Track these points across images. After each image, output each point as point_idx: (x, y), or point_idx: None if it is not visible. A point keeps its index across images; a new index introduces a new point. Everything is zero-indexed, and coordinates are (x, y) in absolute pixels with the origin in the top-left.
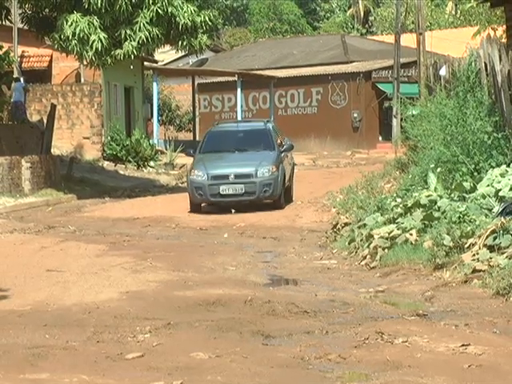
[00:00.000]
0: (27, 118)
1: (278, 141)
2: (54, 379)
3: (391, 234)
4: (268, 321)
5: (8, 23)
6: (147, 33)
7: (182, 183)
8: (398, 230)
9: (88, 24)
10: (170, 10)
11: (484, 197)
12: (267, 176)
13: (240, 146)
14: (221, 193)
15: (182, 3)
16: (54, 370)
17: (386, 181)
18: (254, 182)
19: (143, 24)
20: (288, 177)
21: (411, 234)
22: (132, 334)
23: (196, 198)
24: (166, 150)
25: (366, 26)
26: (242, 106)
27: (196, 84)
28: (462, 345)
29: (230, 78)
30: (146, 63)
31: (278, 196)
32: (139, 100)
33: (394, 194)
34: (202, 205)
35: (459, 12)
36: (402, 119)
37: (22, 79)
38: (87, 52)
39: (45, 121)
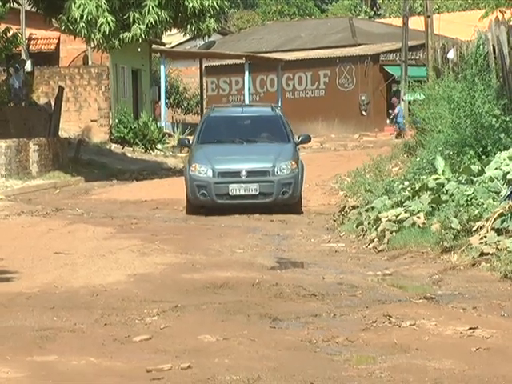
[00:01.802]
0: (22, 101)
1: None
2: (61, 361)
3: (399, 217)
4: (276, 303)
5: (16, 5)
6: (155, 16)
7: None
8: (405, 213)
9: (96, 6)
10: None
11: (492, 180)
12: (286, 174)
13: (249, 136)
14: (230, 193)
15: None
16: (61, 352)
17: (394, 164)
18: (272, 181)
19: (152, 7)
20: None
21: (419, 217)
22: (139, 316)
23: (197, 198)
24: (174, 132)
25: (374, 8)
26: (249, 89)
27: (203, 67)
28: (470, 328)
29: (238, 61)
30: (153, 46)
31: (297, 198)
32: (147, 83)
33: (402, 177)
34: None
35: None
36: (409, 102)
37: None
38: (95, 35)
39: (52, 103)
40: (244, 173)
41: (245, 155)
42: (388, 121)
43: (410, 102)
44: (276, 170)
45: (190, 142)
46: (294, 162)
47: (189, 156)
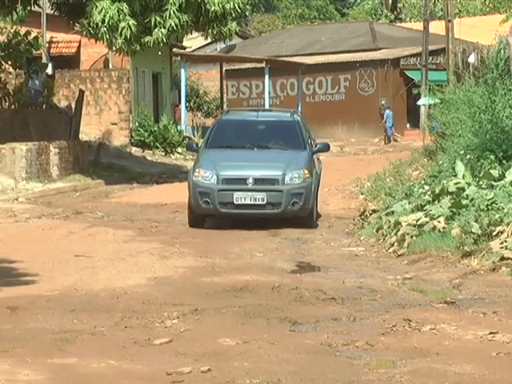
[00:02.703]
0: (41, 104)
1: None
2: (81, 364)
3: (419, 222)
4: (295, 307)
5: (37, 8)
6: (177, 20)
7: None
8: (425, 217)
9: (117, 11)
10: None
11: None
12: (298, 183)
13: (261, 142)
14: (234, 202)
15: None
16: (82, 355)
17: (414, 168)
18: (281, 191)
19: (173, 11)
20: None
21: (439, 222)
22: (160, 319)
23: (200, 206)
24: (194, 136)
25: (395, 12)
26: (269, 93)
27: (224, 70)
28: (490, 332)
29: (258, 65)
30: (174, 49)
31: (309, 210)
32: (167, 86)
33: (422, 182)
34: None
35: None
36: (429, 106)
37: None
38: (116, 39)
39: (73, 106)
40: (251, 180)
41: (253, 162)
42: (408, 125)
43: (429, 107)
44: (286, 178)
45: (199, 146)
46: (307, 171)
47: (195, 161)
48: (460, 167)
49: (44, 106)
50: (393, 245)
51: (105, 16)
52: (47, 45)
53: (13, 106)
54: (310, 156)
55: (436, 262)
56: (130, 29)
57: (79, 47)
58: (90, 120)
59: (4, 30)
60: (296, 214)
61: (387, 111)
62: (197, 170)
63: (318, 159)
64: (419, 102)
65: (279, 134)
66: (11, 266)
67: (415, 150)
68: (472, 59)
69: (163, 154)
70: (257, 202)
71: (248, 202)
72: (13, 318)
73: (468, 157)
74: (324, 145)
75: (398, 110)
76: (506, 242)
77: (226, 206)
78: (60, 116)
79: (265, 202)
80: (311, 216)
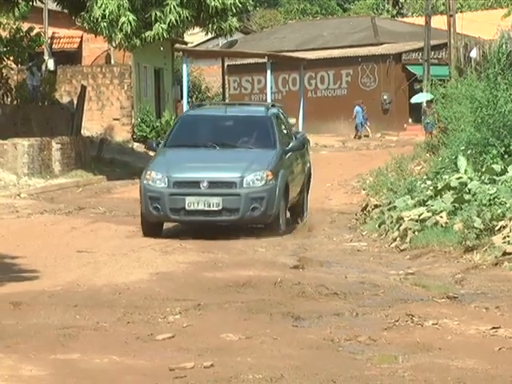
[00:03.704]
0: (39, 100)
1: (287, 133)
2: (84, 360)
3: (421, 217)
4: (298, 302)
5: (39, 4)
6: (177, 15)
7: None
8: (428, 212)
9: (118, 5)
10: None
11: None
12: (258, 186)
13: (226, 140)
14: (186, 208)
15: None
16: (84, 351)
17: (416, 163)
18: (238, 195)
19: (173, 6)
20: (299, 188)
21: (441, 217)
22: (162, 315)
23: (150, 213)
24: None
25: (397, 7)
26: (271, 88)
27: (226, 66)
28: (493, 327)
29: (260, 60)
30: (175, 45)
31: (273, 217)
32: (169, 82)
33: (424, 177)
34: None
35: None
36: (431, 101)
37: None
38: (116, 34)
39: (75, 102)
40: (205, 183)
41: (212, 162)
42: (410, 120)
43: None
44: (245, 181)
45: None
46: (269, 173)
47: (149, 162)
48: (462, 162)
49: (45, 102)
50: (395, 240)
51: (105, 10)
52: (49, 40)
53: (15, 102)
54: (279, 155)
55: (438, 256)
56: (130, 24)
57: (81, 43)
58: (92, 116)
59: (6, 26)
60: (257, 220)
61: (357, 107)
62: (148, 172)
63: (304, 158)
64: (413, 100)
65: (248, 131)
66: (14, 261)
67: (417, 145)
68: (474, 54)
69: None
70: (211, 208)
71: (201, 207)
72: (16, 313)
73: (470, 151)
74: (298, 143)
75: (400, 104)
76: (508, 236)
77: (177, 212)
78: (62, 112)
79: (220, 207)
80: (276, 223)
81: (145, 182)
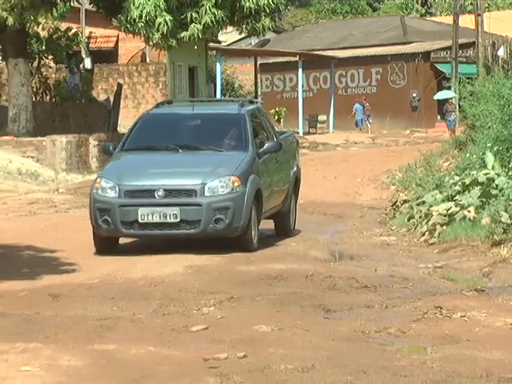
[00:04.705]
0: (75, 96)
1: (267, 133)
2: (121, 350)
3: (449, 211)
4: (329, 295)
5: (76, 5)
6: (212, 16)
7: None
8: (456, 207)
9: (154, 6)
10: None
11: None
12: (222, 194)
13: (190, 142)
14: (139, 220)
15: None
16: (121, 341)
17: (445, 159)
18: (199, 204)
19: (208, 7)
20: (282, 195)
21: (469, 211)
22: (196, 307)
23: (100, 226)
24: None
25: (425, 7)
26: (303, 86)
27: (258, 64)
28: None
29: (292, 59)
30: (209, 44)
31: (241, 230)
32: (203, 80)
33: (452, 172)
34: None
35: None
36: (460, 99)
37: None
38: (153, 34)
39: (111, 100)
40: (160, 192)
41: (171, 168)
42: (439, 117)
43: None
44: (207, 188)
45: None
46: (235, 179)
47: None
48: (490, 158)
49: (82, 99)
50: (424, 234)
51: (142, 11)
52: (86, 40)
53: (53, 100)
54: (251, 159)
55: (466, 250)
56: (167, 24)
57: (117, 42)
58: (128, 113)
59: (45, 26)
60: (221, 233)
61: (356, 105)
62: (97, 181)
63: (288, 161)
64: (436, 97)
65: (217, 131)
66: (52, 255)
67: (445, 141)
68: (501, 52)
69: None
70: (168, 220)
71: (156, 220)
72: (55, 305)
73: (497, 148)
74: (274, 143)
75: (428, 102)
76: None
77: (129, 225)
78: (99, 109)
79: (178, 219)
80: (245, 237)
81: (94, 191)
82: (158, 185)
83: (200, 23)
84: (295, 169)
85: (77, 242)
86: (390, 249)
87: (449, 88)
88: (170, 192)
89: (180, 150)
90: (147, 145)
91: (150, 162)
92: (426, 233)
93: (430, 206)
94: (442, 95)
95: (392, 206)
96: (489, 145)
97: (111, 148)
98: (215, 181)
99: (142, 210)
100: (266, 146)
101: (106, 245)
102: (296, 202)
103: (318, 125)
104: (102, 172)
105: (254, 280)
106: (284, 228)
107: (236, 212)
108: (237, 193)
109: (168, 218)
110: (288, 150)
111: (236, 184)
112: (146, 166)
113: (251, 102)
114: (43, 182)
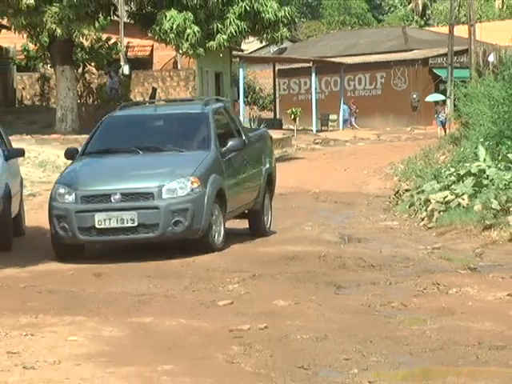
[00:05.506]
0: (115, 99)
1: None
2: (156, 322)
3: (446, 199)
4: (339, 273)
5: (116, 18)
6: (236, 27)
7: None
8: (451, 195)
9: (184, 19)
10: (255, 6)
11: None
12: (181, 196)
13: (151, 144)
14: (97, 226)
15: (267, 0)
16: (156, 315)
17: (441, 153)
18: (156, 208)
19: (233, 19)
20: (254, 193)
21: (463, 199)
22: (223, 284)
23: (58, 234)
24: (251, 126)
25: (424, 18)
26: (316, 89)
27: (276, 70)
28: (508, 294)
29: (306, 65)
30: (233, 52)
31: (202, 231)
32: (227, 84)
33: (448, 164)
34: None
35: (505, 6)
36: (455, 99)
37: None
38: (183, 44)
39: None
40: (117, 196)
41: (128, 171)
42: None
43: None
44: (164, 190)
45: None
46: (196, 179)
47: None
48: (481, 152)
49: (121, 102)
50: (423, 219)
51: (173, 24)
52: (125, 49)
53: (95, 102)
54: (213, 158)
55: (460, 233)
56: (195, 35)
57: (152, 50)
58: None
59: (88, 37)
60: (181, 236)
61: (343, 106)
62: (55, 187)
63: (259, 159)
64: (427, 99)
65: (179, 131)
66: None
67: (442, 137)
68: (491, 58)
69: None
70: (125, 225)
71: (114, 225)
72: (97, 283)
73: (488, 143)
74: (237, 141)
75: (427, 103)
76: None
77: (87, 231)
78: None
79: (136, 223)
80: (206, 239)
81: (52, 197)
82: (115, 189)
83: (225, 33)
84: (268, 166)
85: None
86: (393, 232)
87: (444, 90)
88: (127, 196)
89: (140, 152)
90: (108, 148)
91: (109, 165)
92: (425, 218)
93: (429, 194)
94: (432, 98)
95: (395, 194)
96: (481, 140)
97: (75, 152)
98: (173, 182)
99: (98, 216)
100: (229, 144)
101: (68, 252)
102: (271, 200)
103: (330, 123)
104: (59, 178)
105: (273, 260)
106: (258, 227)
107: (196, 214)
108: (196, 194)
109: (125, 222)
110: (259, 147)
111: (195, 185)
112: (104, 170)
113: (217, 100)
114: None
